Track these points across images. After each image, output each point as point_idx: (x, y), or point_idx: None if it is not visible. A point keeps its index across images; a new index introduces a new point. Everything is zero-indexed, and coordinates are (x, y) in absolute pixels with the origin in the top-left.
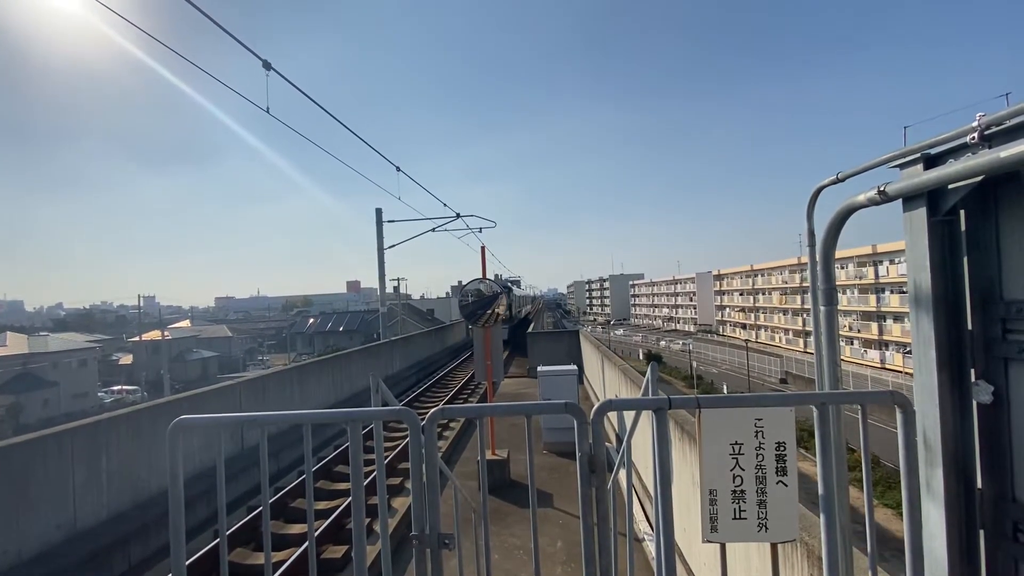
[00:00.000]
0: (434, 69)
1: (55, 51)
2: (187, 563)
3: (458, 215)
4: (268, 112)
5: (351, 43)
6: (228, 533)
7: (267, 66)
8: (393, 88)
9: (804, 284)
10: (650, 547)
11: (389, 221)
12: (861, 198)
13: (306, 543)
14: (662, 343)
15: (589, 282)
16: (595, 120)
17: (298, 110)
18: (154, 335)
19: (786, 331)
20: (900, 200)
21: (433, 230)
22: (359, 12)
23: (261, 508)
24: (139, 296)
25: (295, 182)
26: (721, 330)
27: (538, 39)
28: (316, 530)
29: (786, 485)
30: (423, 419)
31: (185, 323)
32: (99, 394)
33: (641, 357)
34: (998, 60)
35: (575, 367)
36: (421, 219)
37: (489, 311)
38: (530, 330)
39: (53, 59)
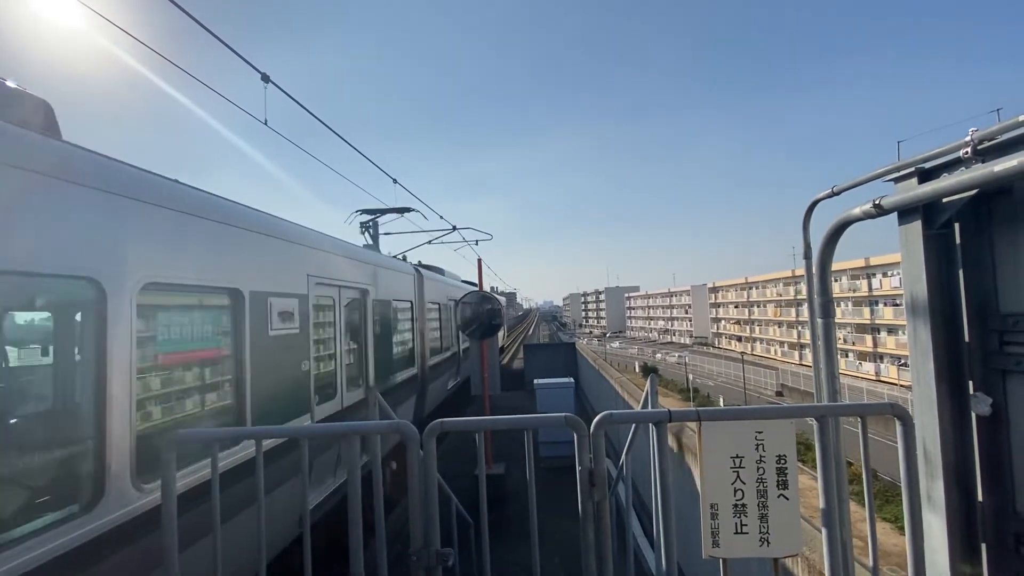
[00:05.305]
0: (433, 88)
1: (54, 62)
2: None
3: (454, 227)
4: (266, 124)
5: (351, 60)
6: None
7: (265, 79)
8: (393, 106)
9: (799, 297)
10: (650, 563)
11: (385, 234)
12: (856, 211)
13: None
14: (658, 355)
15: (585, 295)
16: (592, 135)
17: (296, 122)
18: None
19: (781, 343)
20: (895, 213)
21: (430, 242)
22: (359, 31)
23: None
24: None
25: (291, 193)
26: (717, 342)
27: (537, 59)
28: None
29: (787, 499)
30: (421, 433)
31: None
32: None
33: (637, 370)
34: (990, 75)
35: (571, 380)
36: (417, 231)
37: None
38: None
39: (50, 70)
